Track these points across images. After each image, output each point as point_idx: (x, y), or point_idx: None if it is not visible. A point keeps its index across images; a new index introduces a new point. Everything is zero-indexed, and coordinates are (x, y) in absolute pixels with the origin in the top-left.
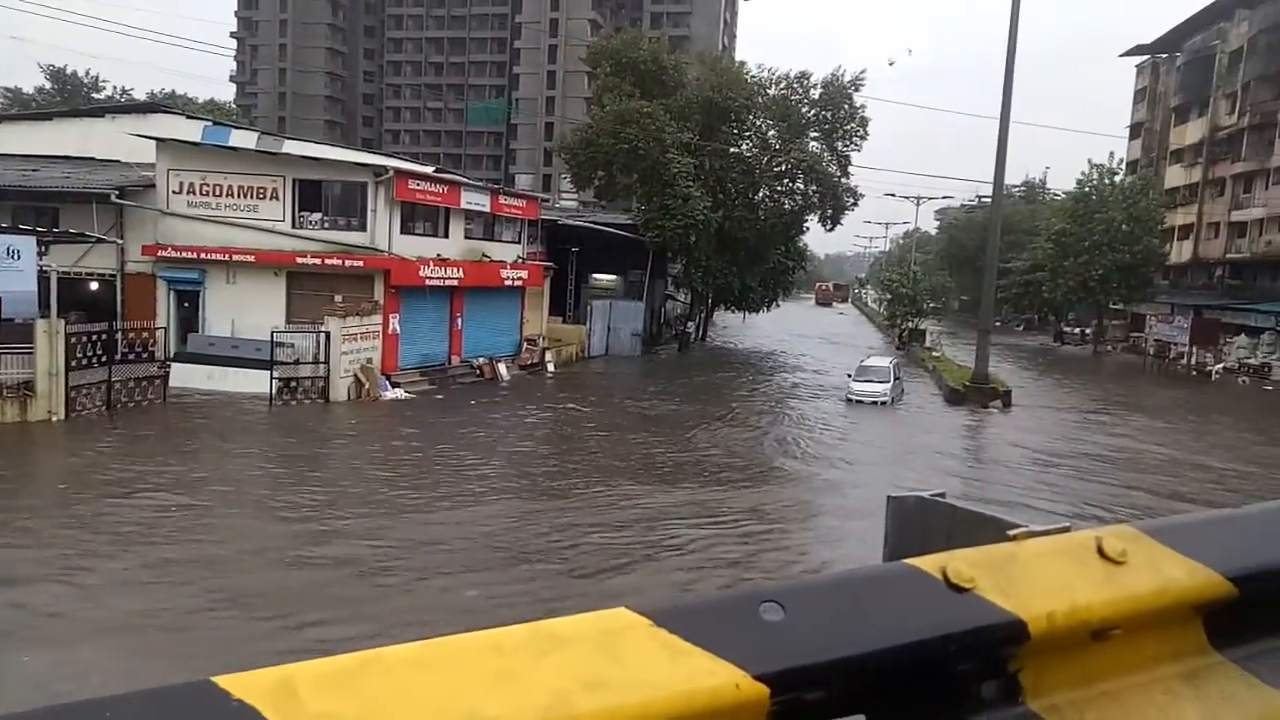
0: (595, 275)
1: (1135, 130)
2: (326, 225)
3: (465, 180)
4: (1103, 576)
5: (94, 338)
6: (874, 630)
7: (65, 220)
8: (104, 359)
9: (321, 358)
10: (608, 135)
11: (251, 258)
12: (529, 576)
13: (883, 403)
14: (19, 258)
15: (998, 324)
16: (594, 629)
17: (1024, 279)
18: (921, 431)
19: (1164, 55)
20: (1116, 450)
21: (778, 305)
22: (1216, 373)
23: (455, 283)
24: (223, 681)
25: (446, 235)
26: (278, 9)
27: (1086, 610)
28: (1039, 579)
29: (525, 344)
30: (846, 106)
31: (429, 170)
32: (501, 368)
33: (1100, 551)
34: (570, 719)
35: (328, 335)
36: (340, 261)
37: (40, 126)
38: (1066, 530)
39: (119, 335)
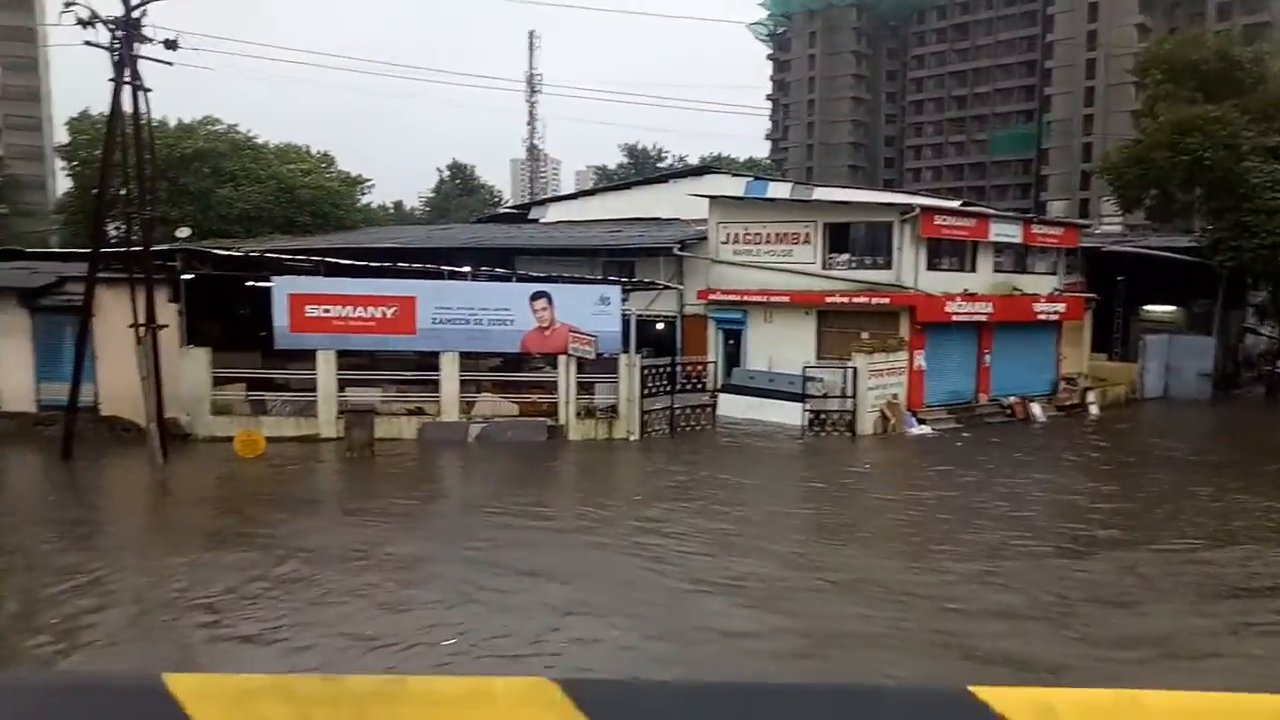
0: (1147, 307)
1: None
2: (854, 265)
3: (993, 212)
4: None
5: (660, 370)
6: None
7: (639, 271)
8: (667, 388)
9: (849, 392)
10: (1162, 148)
11: (786, 298)
12: None
13: None
14: (609, 304)
15: None
16: None
17: None
18: None
19: None
20: None
21: None
22: None
23: (984, 318)
24: (981, 693)
25: (974, 269)
26: (806, 68)
27: None
28: None
29: (1062, 383)
30: None
31: (955, 204)
32: (1035, 408)
33: None
34: None
35: (855, 371)
36: (867, 299)
37: (620, 195)
38: None
39: (678, 368)
